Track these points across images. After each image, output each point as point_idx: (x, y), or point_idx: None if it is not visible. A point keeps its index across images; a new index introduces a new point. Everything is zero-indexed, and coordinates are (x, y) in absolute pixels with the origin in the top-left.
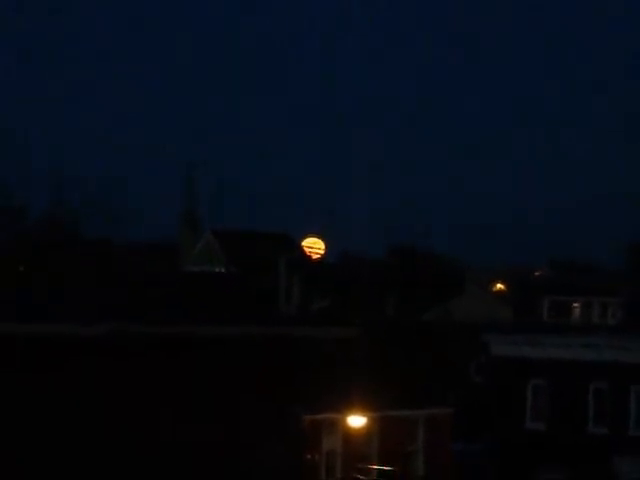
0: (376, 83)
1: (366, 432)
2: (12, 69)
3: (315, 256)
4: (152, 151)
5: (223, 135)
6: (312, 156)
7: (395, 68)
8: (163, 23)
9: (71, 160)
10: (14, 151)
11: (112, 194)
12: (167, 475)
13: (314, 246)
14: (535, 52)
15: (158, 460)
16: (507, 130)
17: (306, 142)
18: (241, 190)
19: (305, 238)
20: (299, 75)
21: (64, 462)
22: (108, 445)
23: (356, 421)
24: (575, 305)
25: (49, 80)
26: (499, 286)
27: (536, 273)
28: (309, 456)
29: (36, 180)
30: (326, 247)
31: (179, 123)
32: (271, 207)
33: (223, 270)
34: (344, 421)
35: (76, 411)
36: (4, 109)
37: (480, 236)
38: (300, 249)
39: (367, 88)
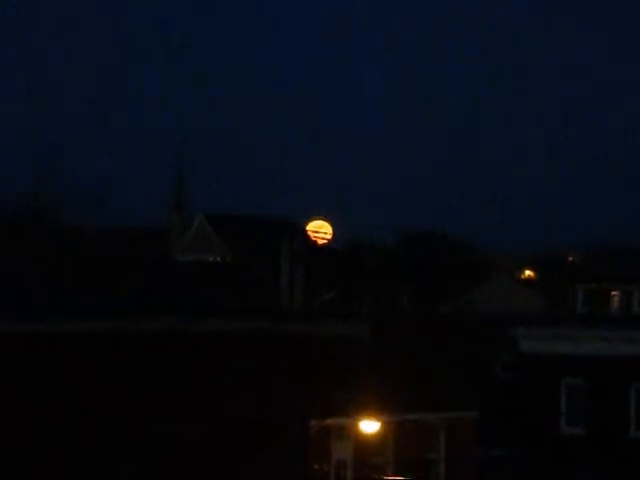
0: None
1: (380, 439)
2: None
3: (321, 241)
4: (146, 137)
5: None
6: (319, 140)
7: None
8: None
9: (56, 146)
10: None
11: (98, 179)
12: None
13: (320, 230)
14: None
15: (147, 467)
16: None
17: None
18: (241, 175)
19: (310, 221)
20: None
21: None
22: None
23: (369, 426)
24: (613, 294)
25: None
26: (528, 273)
27: (569, 259)
28: (316, 466)
29: (16, 165)
30: (333, 231)
31: (176, 113)
32: (275, 191)
33: (218, 258)
34: (355, 426)
35: (71, 408)
36: None
37: (507, 219)
38: (304, 234)
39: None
